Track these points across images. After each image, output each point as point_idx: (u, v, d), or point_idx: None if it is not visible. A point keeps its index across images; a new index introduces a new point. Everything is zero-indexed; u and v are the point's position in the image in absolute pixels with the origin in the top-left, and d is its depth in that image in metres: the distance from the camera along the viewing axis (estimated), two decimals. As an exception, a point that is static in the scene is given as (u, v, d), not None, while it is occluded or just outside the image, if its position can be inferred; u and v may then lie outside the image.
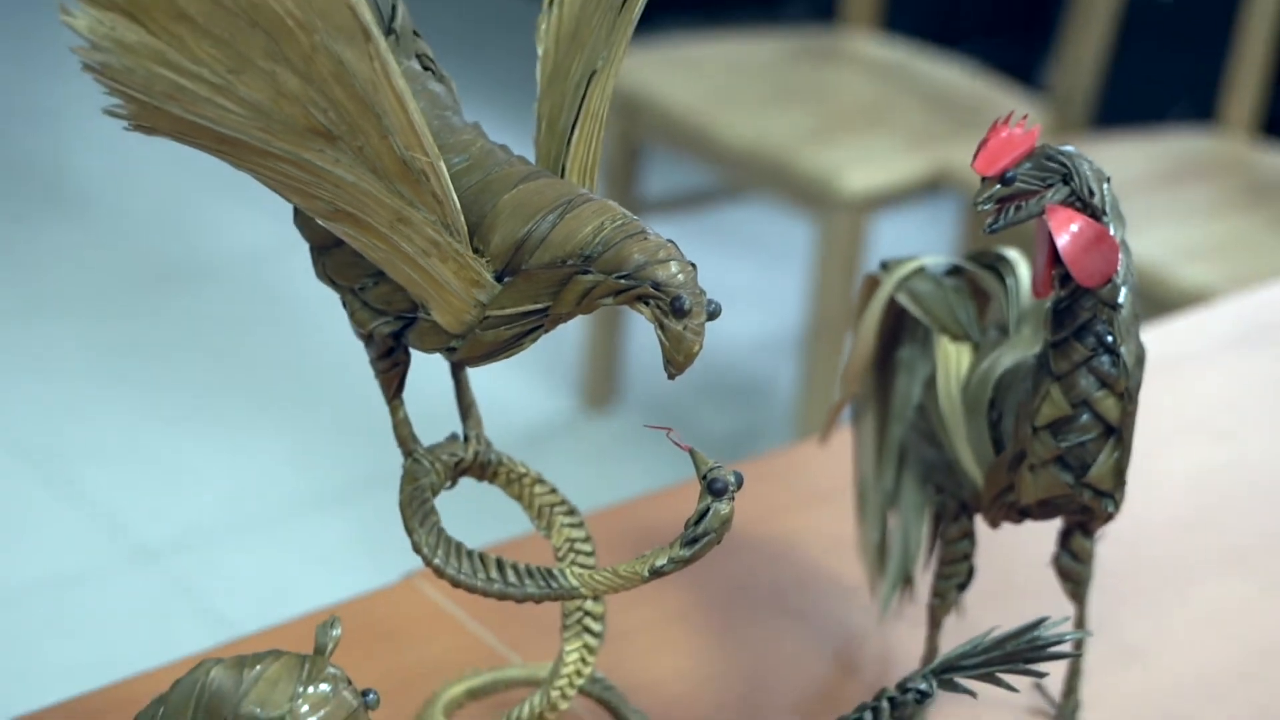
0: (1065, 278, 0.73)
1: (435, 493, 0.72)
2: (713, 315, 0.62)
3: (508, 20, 3.74)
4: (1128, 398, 0.74)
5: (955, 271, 0.85)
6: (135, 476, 2.29)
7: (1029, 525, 0.81)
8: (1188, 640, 0.94)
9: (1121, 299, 0.73)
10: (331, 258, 0.68)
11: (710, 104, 2.26)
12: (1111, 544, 0.96)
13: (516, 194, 0.64)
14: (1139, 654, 0.92)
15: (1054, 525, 0.82)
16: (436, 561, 0.69)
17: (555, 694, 0.76)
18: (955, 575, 0.83)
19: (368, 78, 0.60)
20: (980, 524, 0.83)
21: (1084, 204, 0.71)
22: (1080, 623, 0.83)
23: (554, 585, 0.68)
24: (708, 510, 0.64)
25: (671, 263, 0.62)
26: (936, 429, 0.82)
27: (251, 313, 2.69)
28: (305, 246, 0.70)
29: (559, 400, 2.53)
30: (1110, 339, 0.73)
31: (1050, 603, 0.84)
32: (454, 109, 0.69)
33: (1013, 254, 0.84)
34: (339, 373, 2.49)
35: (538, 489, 0.75)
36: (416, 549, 0.70)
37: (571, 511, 0.75)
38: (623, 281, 0.62)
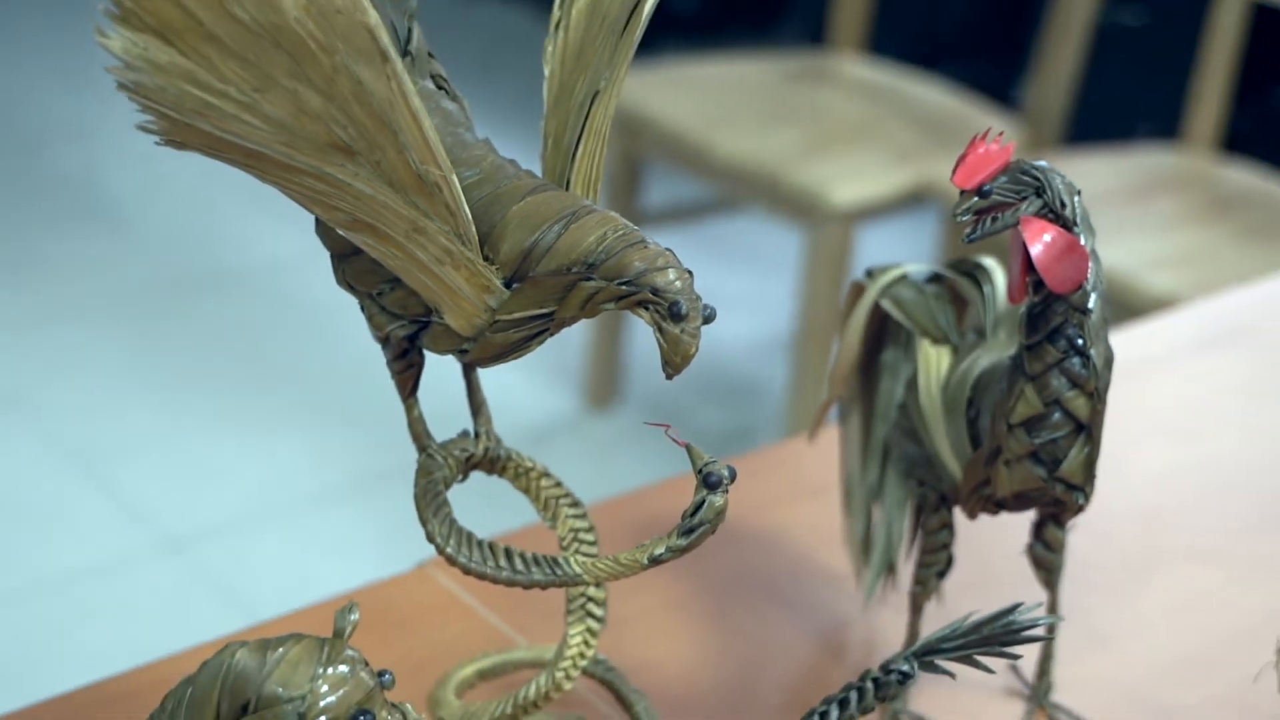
0: (1039, 284, 0.73)
1: (448, 486, 0.72)
2: (708, 319, 0.62)
3: (516, 43, 3.74)
4: (1097, 397, 0.74)
5: (936, 279, 0.85)
6: (164, 471, 2.28)
7: (1004, 516, 0.81)
8: (1154, 626, 0.94)
9: (1091, 304, 0.73)
10: (351, 265, 0.68)
11: (707, 122, 2.26)
12: (1082, 534, 0.96)
13: (524, 205, 0.64)
14: (1108, 638, 0.92)
15: (1028, 516, 0.82)
16: (449, 550, 0.69)
17: (560, 675, 0.76)
18: (935, 564, 0.83)
19: (385, 97, 0.60)
20: (959, 515, 0.83)
21: (1056, 215, 0.72)
22: (1053, 608, 0.83)
23: (559, 572, 0.68)
24: (703, 502, 0.64)
25: (670, 270, 0.62)
26: (918, 427, 0.82)
27: (275, 317, 2.68)
28: (326, 255, 0.70)
29: (564, 399, 2.53)
30: (1081, 342, 0.73)
31: (1025, 590, 0.84)
32: (466, 126, 0.69)
33: (990, 262, 0.84)
34: (357, 374, 2.49)
35: (544, 482, 0.75)
36: (430, 539, 0.70)
37: (575, 503, 0.75)
38: (624, 287, 0.62)
